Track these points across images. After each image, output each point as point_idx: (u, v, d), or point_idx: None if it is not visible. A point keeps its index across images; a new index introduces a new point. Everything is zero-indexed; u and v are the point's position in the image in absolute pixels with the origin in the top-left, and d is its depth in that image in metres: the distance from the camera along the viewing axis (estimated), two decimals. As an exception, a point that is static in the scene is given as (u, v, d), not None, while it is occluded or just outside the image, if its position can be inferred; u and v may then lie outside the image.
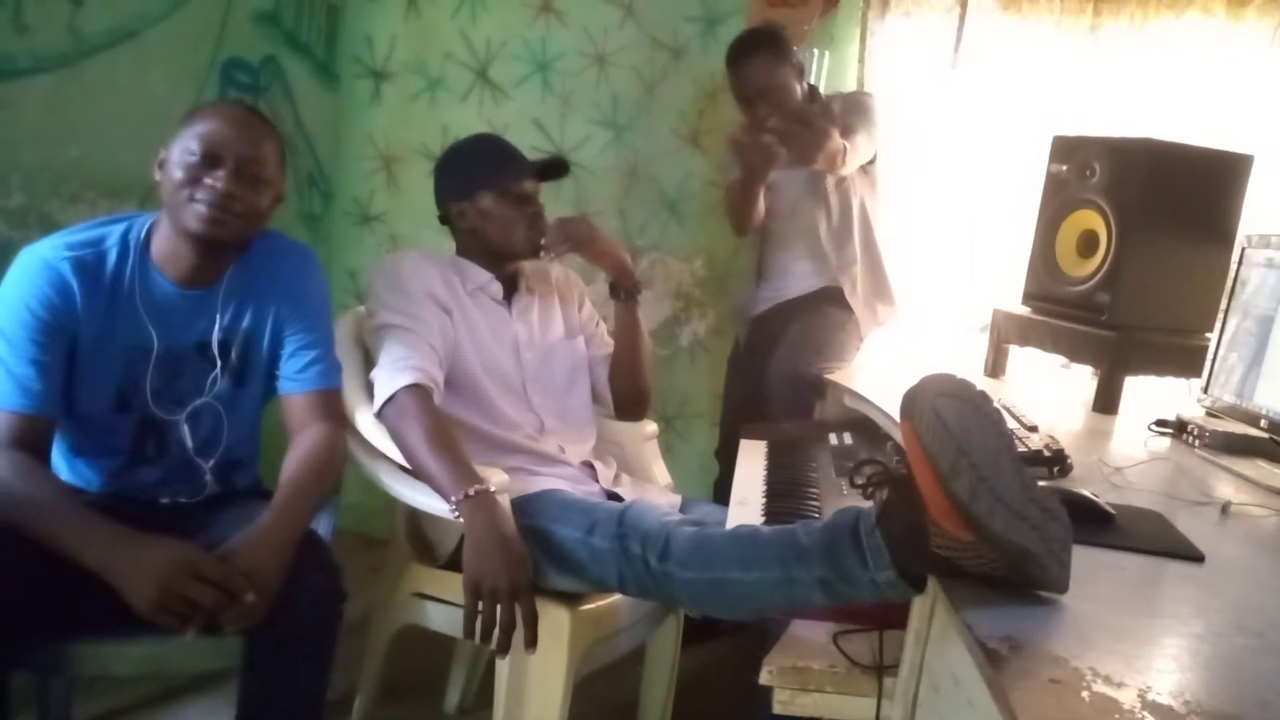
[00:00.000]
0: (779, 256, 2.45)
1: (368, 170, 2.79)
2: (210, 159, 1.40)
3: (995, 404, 1.04)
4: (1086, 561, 1.07)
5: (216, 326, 1.50)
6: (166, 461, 1.51)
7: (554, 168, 1.86)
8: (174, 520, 1.43)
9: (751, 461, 1.83)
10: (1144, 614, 1.02)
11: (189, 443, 1.51)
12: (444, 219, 1.86)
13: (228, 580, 1.25)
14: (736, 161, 2.20)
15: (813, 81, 2.37)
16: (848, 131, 2.17)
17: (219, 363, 1.50)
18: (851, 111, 2.24)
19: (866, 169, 2.34)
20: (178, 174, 1.40)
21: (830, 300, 2.37)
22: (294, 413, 1.55)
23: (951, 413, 0.97)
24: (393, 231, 2.81)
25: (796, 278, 2.41)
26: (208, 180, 1.40)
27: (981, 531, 0.96)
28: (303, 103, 2.58)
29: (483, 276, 1.81)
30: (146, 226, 1.47)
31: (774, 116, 2.07)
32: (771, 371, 2.23)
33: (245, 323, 1.52)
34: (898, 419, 1.03)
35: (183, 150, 1.41)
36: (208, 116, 1.43)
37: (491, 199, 1.78)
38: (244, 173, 1.42)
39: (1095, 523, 1.22)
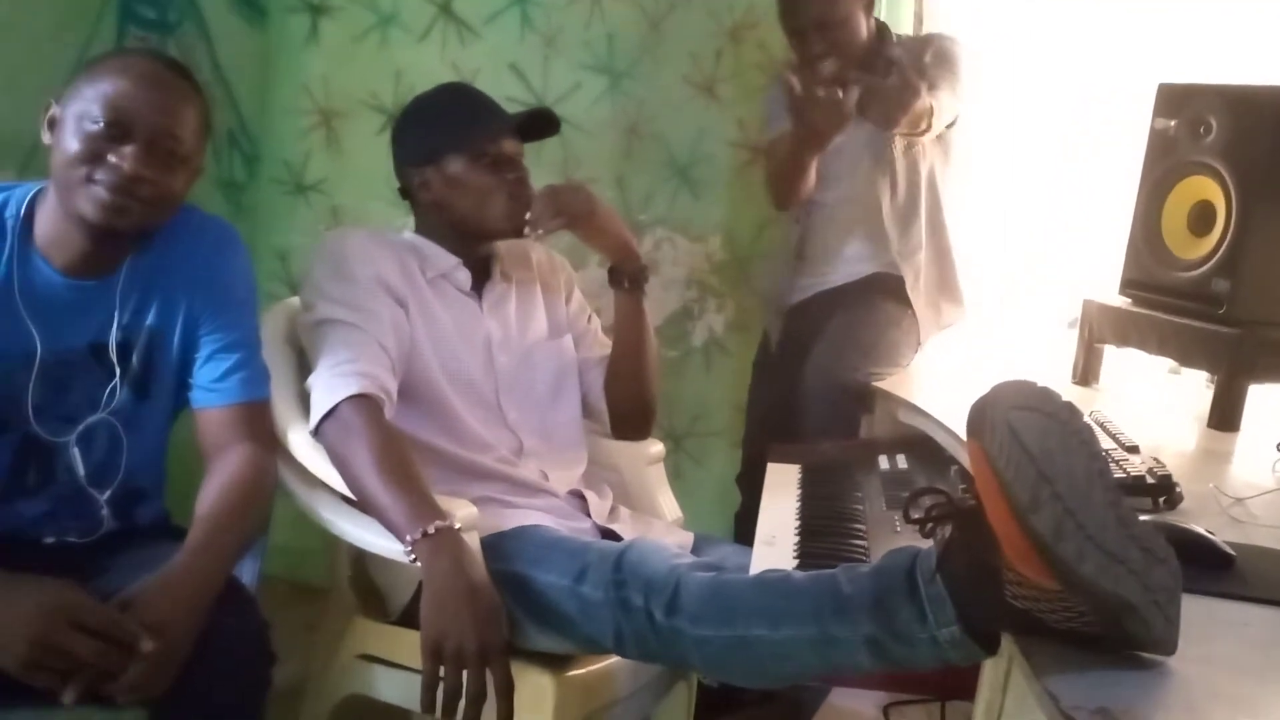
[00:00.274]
0: (824, 234, 2.46)
1: (302, 127, 2.80)
2: (116, 130, 1.40)
3: (1085, 419, 1.04)
4: (1199, 615, 1.08)
5: (115, 325, 1.50)
6: (52, 492, 1.51)
7: (539, 123, 1.86)
8: (61, 564, 1.43)
9: (781, 490, 1.83)
10: (1270, 680, 1.02)
11: (80, 469, 1.51)
12: (405, 190, 1.87)
13: (116, 628, 1.25)
14: (789, 115, 2.18)
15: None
16: (930, 87, 2.18)
17: (118, 370, 1.50)
18: (935, 62, 2.25)
19: (942, 133, 2.35)
20: (73, 145, 1.40)
21: (883, 291, 2.38)
22: (211, 431, 1.56)
23: (1031, 430, 0.98)
24: (334, 203, 2.81)
25: (845, 261, 2.42)
26: (111, 158, 1.39)
27: (1068, 578, 0.97)
28: (221, 44, 2.58)
29: (448, 261, 1.82)
30: (27, 200, 1.47)
31: (839, 60, 2.09)
32: (808, 378, 2.23)
33: (149, 319, 1.52)
34: (965, 437, 1.03)
35: (81, 114, 1.40)
36: (116, 73, 1.43)
37: (462, 163, 1.79)
38: (157, 149, 1.42)
39: (1210, 567, 1.23)
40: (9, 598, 1.24)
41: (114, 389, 1.51)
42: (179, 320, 1.54)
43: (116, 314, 1.50)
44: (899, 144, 2.33)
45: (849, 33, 2.24)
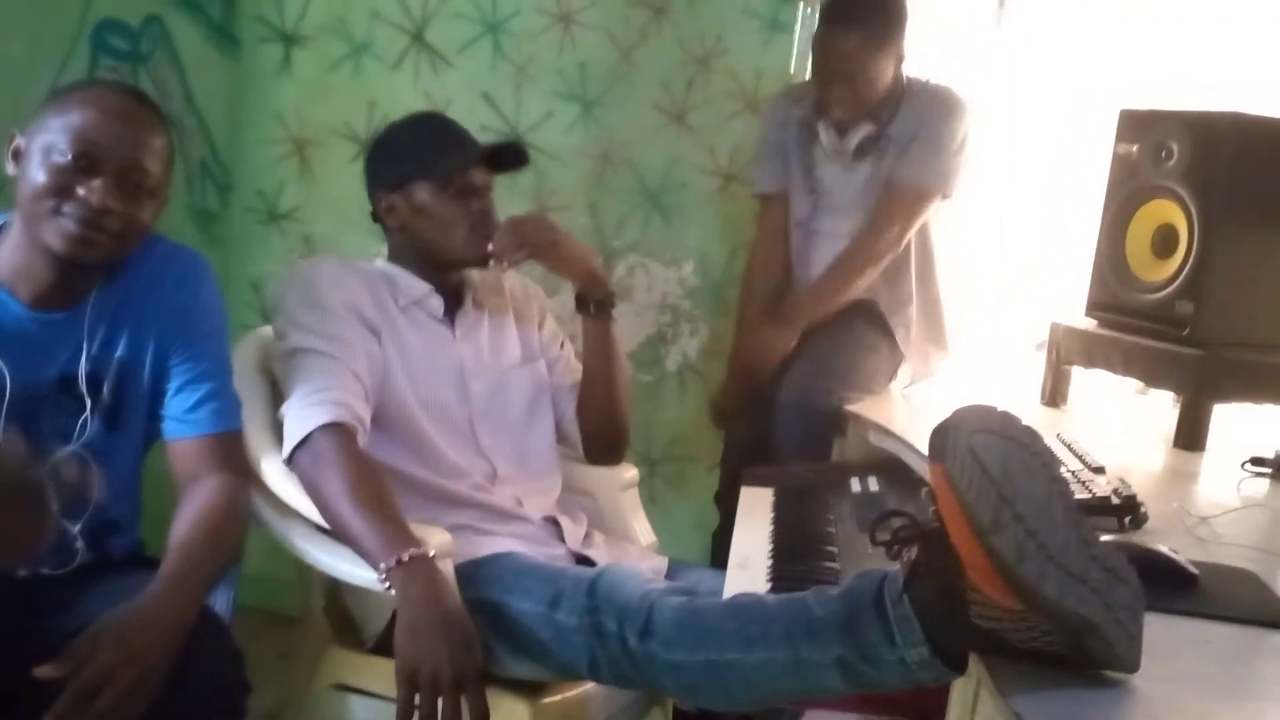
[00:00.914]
0: (810, 258, 2.48)
1: (275, 156, 2.80)
2: (84, 163, 1.39)
3: (1046, 442, 1.06)
4: (1163, 633, 1.10)
5: (83, 356, 1.49)
6: None
7: (509, 155, 1.88)
8: (36, 596, 1.43)
9: (755, 514, 1.85)
10: (1232, 696, 1.04)
11: (54, 504, 1.50)
12: (376, 216, 1.88)
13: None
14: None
15: None
16: (914, 151, 2.29)
17: (89, 401, 1.50)
18: (931, 131, 2.31)
19: None
20: (40, 177, 1.40)
21: (863, 316, 2.40)
22: (183, 462, 1.55)
23: (992, 453, 1.00)
24: (306, 232, 2.82)
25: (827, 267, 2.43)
26: (80, 190, 1.39)
27: (1031, 598, 0.98)
28: (194, 74, 2.58)
29: (420, 288, 1.83)
30: None
31: (851, 109, 2.25)
32: (782, 400, 2.24)
33: (119, 351, 1.52)
34: (929, 461, 1.05)
35: (48, 146, 1.40)
36: (84, 105, 1.43)
37: (428, 191, 1.80)
38: (125, 182, 1.42)
39: (1174, 585, 1.25)
40: None
41: (85, 421, 1.50)
42: (149, 351, 1.54)
43: (85, 345, 1.49)
44: None
45: (871, 85, 2.28)
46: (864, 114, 2.31)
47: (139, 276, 1.53)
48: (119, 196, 1.41)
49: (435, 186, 1.80)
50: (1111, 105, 2.26)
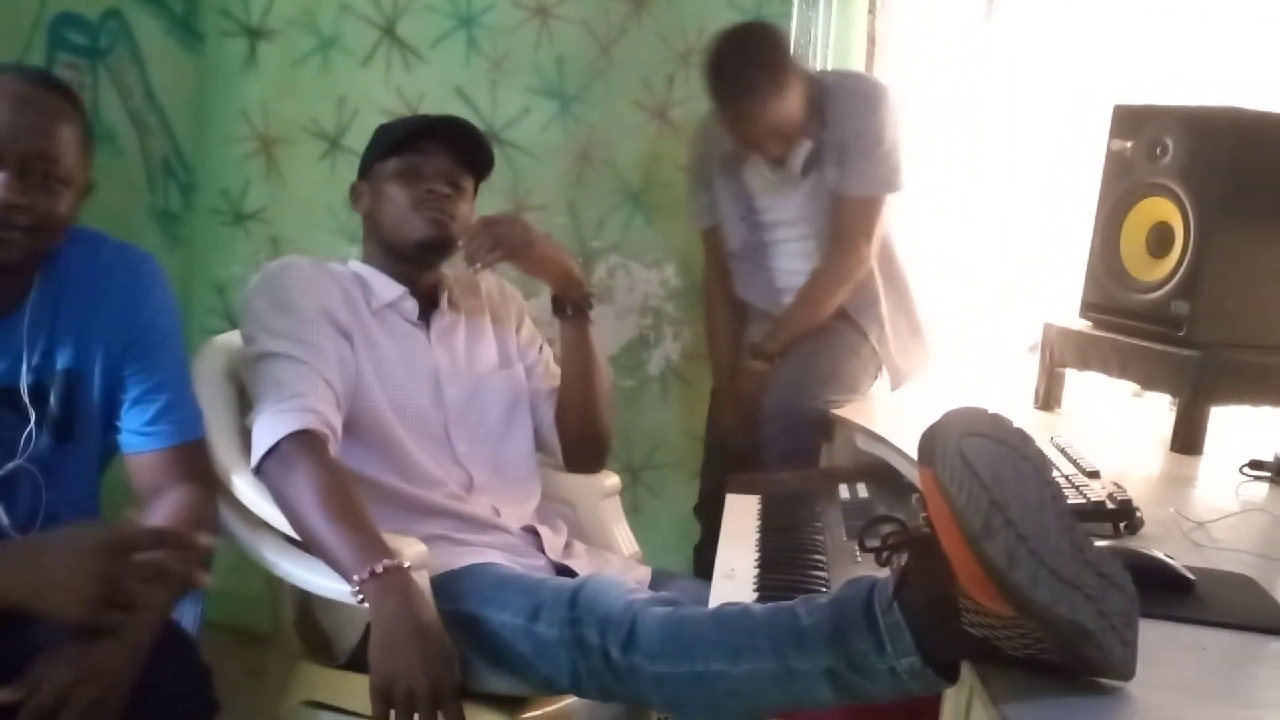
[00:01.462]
0: (777, 266, 2.52)
1: (241, 155, 2.79)
2: None
3: (1038, 445, 1.08)
4: (1158, 639, 1.12)
5: (24, 367, 1.47)
6: None
7: (469, 144, 1.86)
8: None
9: (741, 522, 1.86)
10: (1229, 703, 1.06)
11: (4, 520, 1.49)
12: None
13: (167, 538, 1.31)
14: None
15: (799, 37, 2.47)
16: (853, 159, 2.32)
17: (32, 414, 1.48)
18: (860, 131, 2.32)
19: None
20: None
21: (841, 318, 2.43)
22: (144, 476, 1.55)
23: (982, 457, 1.01)
24: (274, 233, 2.81)
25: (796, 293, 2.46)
26: None
27: (1023, 605, 1.00)
28: (156, 69, 2.59)
29: (393, 290, 1.84)
30: None
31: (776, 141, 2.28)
32: (766, 406, 2.26)
33: (64, 361, 1.50)
34: (918, 465, 1.06)
35: None
36: None
37: (387, 170, 1.83)
38: (31, 173, 1.38)
39: (1170, 591, 1.26)
40: (57, 547, 1.28)
41: (30, 434, 1.48)
42: (97, 360, 1.52)
43: (25, 354, 1.47)
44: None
45: (788, 118, 2.28)
46: (790, 132, 2.32)
47: (82, 280, 1.51)
48: (26, 189, 1.37)
49: (392, 167, 1.82)
50: (1105, 102, 2.29)
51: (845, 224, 2.36)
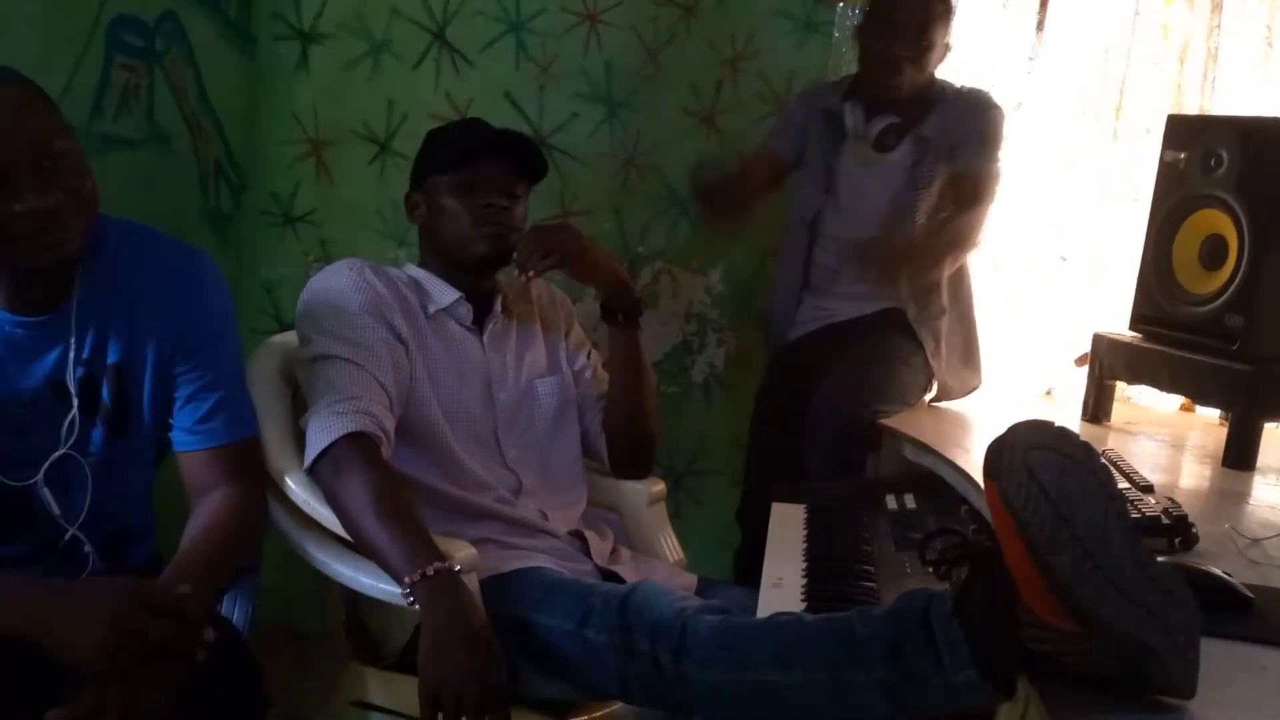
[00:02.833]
0: (833, 266, 2.49)
1: (292, 157, 2.82)
2: None
3: (1101, 458, 1.07)
4: (1218, 657, 1.10)
5: (71, 359, 1.48)
6: (35, 535, 1.51)
7: (523, 155, 1.86)
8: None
9: (787, 531, 1.85)
10: (1293, 725, 1.04)
11: (55, 509, 1.51)
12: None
13: (183, 608, 1.29)
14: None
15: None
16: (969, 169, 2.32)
17: (75, 402, 1.48)
18: (981, 135, 2.34)
19: None
20: None
21: (896, 327, 2.41)
22: (194, 473, 1.56)
23: (1049, 471, 1.00)
24: (323, 236, 2.84)
25: (850, 299, 2.45)
26: (16, 207, 1.32)
27: (1087, 620, 0.99)
28: (209, 72, 2.61)
29: (449, 295, 1.84)
30: None
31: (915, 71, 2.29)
32: (815, 413, 2.24)
33: (115, 356, 1.51)
34: (977, 477, 1.06)
35: None
36: None
37: (442, 186, 1.83)
38: (44, 171, 1.34)
39: (1229, 609, 1.25)
40: (82, 590, 1.30)
41: (74, 422, 1.49)
42: (149, 356, 1.52)
43: (73, 346, 1.47)
44: (926, 195, 2.37)
45: (927, 54, 2.33)
46: (898, 99, 2.35)
47: (134, 275, 1.50)
48: (49, 187, 1.35)
49: (448, 181, 1.82)
50: (1156, 111, 2.27)
51: (963, 196, 2.34)
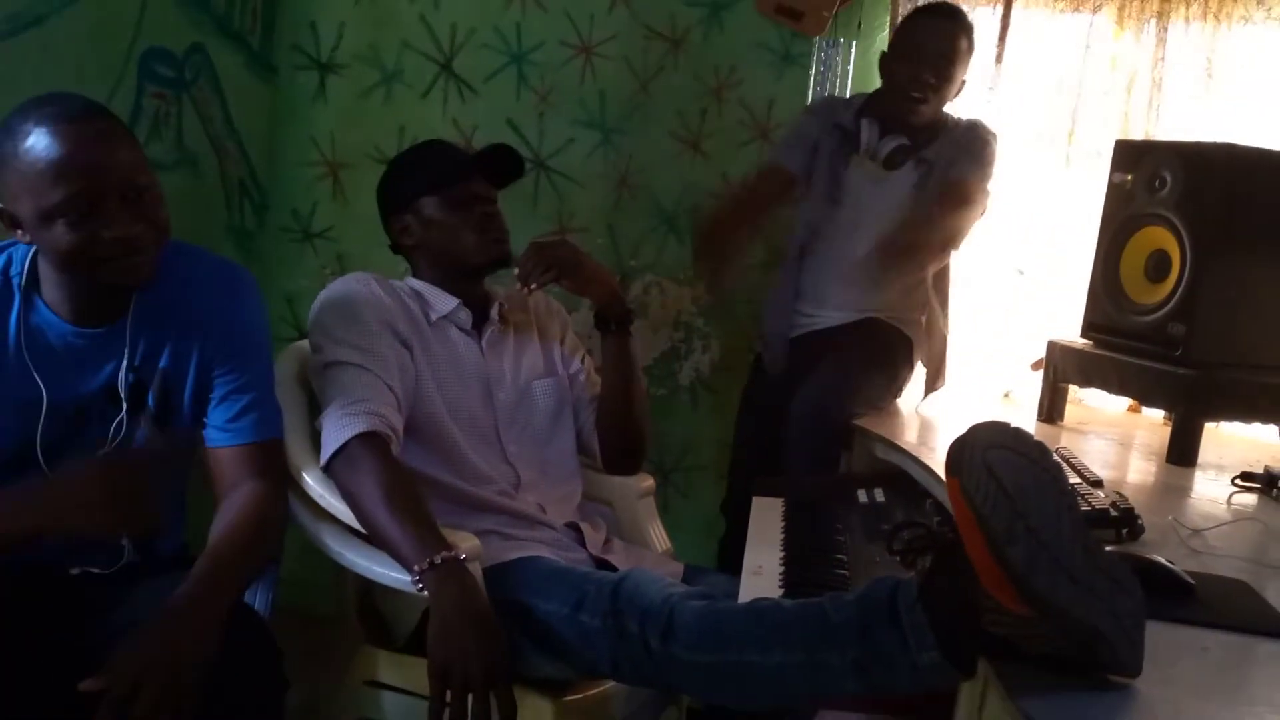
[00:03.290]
0: (820, 273, 2.46)
1: (310, 178, 2.83)
2: (86, 206, 1.32)
3: (1054, 456, 1.07)
4: (1162, 640, 1.11)
5: (124, 367, 1.49)
6: None
7: (506, 164, 1.87)
8: (85, 594, 1.44)
9: (766, 522, 1.85)
10: (1230, 701, 1.05)
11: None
12: (395, 246, 1.90)
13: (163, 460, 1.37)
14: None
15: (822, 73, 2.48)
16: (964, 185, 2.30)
17: (124, 406, 1.50)
18: (973, 158, 2.33)
19: None
20: (62, 240, 1.33)
21: (873, 335, 2.40)
22: (223, 469, 1.56)
23: (1006, 468, 1.01)
24: (339, 250, 2.84)
25: (835, 308, 2.44)
26: (104, 234, 1.34)
27: (1042, 606, 0.99)
28: (234, 99, 2.61)
29: (449, 303, 1.84)
30: (30, 255, 1.45)
31: (937, 97, 2.29)
32: (794, 415, 2.24)
33: (162, 362, 1.52)
34: (941, 473, 1.06)
35: (45, 210, 1.32)
36: (49, 139, 1.31)
37: (434, 205, 1.83)
38: (129, 200, 1.36)
39: (1172, 595, 1.25)
40: (66, 471, 1.35)
41: (121, 424, 1.50)
42: (192, 362, 1.54)
43: (126, 355, 1.49)
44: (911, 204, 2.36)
45: (947, 89, 2.33)
46: (916, 123, 2.34)
47: (184, 289, 1.52)
48: (133, 216, 1.36)
49: (440, 199, 1.82)
50: (1105, 137, 2.28)
51: (948, 200, 2.30)
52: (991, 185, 2.35)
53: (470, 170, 1.84)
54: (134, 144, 1.41)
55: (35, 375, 1.44)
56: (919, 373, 2.48)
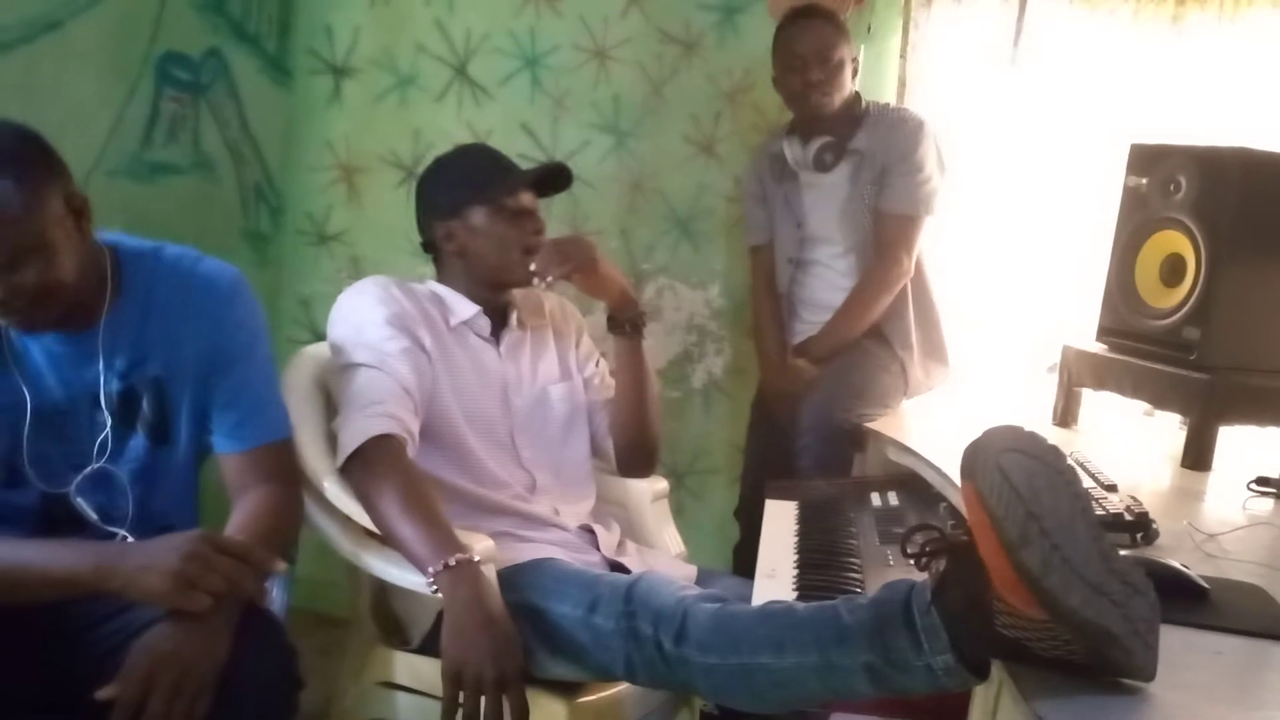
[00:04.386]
0: (810, 284, 2.52)
1: (325, 182, 2.84)
2: None
3: (1069, 460, 1.07)
4: (1176, 644, 1.10)
5: (105, 373, 1.48)
6: (83, 536, 1.49)
7: (553, 177, 1.89)
8: (96, 603, 1.43)
9: (780, 525, 1.85)
10: (1243, 706, 1.05)
11: (92, 516, 1.51)
12: (427, 245, 1.90)
13: (249, 551, 1.34)
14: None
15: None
16: (895, 179, 2.34)
17: (109, 418, 1.49)
18: (903, 155, 2.35)
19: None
20: None
21: (874, 337, 2.42)
22: (233, 475, 1.56)
23: (1020, 471, 1.01)
24: (354, 254, 2.85)
25: (830, 311, 2.45)
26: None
27: (1055, 609, 0.99)
28: (250, 103, 2.63)
29: (469, 309, 1.84)
30: None
31: (832, 93, 2.32)
32: (804, 418, 2.25)
33: (155, 369, 1.51)
34: (954, 476, 1.06)
35: None
36: None
37: (485, 215, 1.82)
38: (19, 261, 1.32)
39: (1186, 599, 1.25)
40: (153, 542, 1.34)
41: (107, 438, 1.50)
42: (188, 368, 1.53)
43: (102, 361, 1.48)
44: (870, 204, 2.39)
45: (840, 75, 2.36)
46: (826, 119, 2.38)
47: (171, 294, 1.52)
48: (21, 277, 1.33)
49: (491, 210, 1.81)
50: (1122, 138, 2.27)
51: (886, 239, 2.37)
52: (933, 171, 2.37)
53: (522, 185, 1.84)
54: (23, 191, 1.31)
55: (19, 379, 1.45)
56: (924, 372, 2.48)
